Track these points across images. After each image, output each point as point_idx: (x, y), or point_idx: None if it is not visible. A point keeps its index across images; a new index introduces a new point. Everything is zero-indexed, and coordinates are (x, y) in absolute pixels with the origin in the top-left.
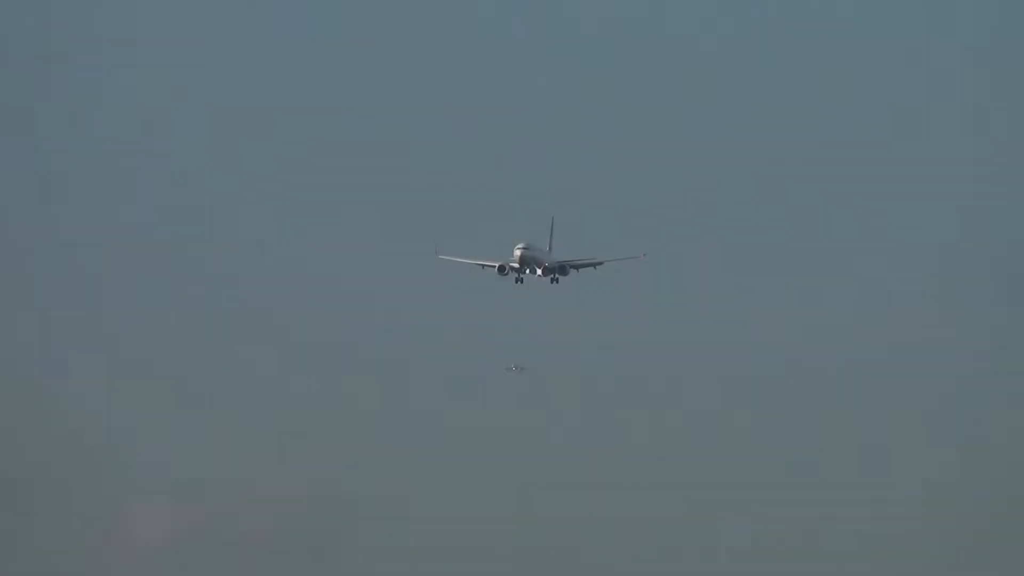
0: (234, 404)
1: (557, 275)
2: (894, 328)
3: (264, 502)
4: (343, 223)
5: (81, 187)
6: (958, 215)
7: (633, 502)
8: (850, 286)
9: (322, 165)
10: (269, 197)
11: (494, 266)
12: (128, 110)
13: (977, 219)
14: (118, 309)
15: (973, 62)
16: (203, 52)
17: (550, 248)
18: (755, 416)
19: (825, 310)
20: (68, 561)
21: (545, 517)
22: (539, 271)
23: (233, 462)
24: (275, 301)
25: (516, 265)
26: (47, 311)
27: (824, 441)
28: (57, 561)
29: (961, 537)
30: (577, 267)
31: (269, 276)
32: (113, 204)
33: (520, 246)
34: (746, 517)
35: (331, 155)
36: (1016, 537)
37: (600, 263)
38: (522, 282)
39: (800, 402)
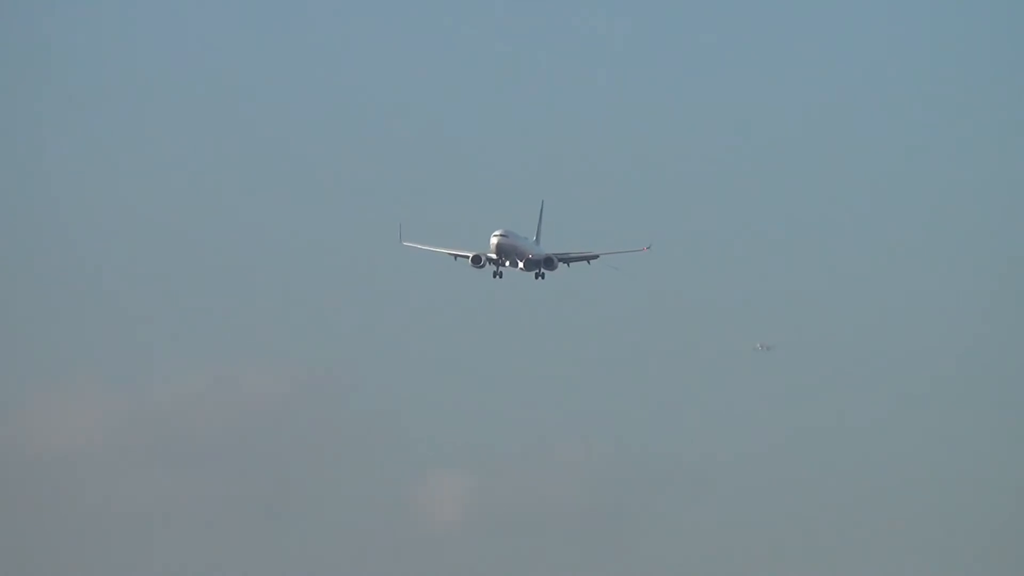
0: None
1: (543, 269)
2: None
3: None
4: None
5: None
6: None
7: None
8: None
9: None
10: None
11: (467, 256)
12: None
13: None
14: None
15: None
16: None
17: (537, 238)
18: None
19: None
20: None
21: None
22: (521, 263)
23: None
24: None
25: (493, 256)
26: None
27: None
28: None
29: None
30: (568, 261)
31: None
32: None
33: (497, 233)
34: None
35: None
36: None
37: (596, 256)
38: (501, 276)
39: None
